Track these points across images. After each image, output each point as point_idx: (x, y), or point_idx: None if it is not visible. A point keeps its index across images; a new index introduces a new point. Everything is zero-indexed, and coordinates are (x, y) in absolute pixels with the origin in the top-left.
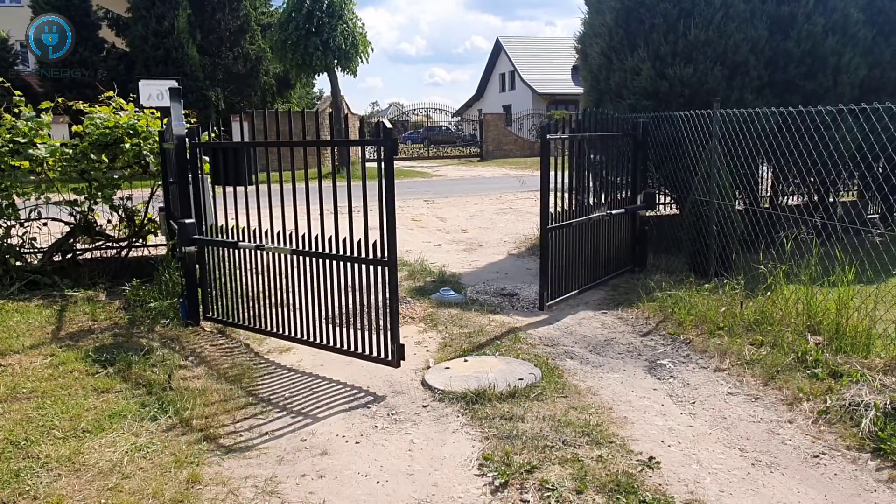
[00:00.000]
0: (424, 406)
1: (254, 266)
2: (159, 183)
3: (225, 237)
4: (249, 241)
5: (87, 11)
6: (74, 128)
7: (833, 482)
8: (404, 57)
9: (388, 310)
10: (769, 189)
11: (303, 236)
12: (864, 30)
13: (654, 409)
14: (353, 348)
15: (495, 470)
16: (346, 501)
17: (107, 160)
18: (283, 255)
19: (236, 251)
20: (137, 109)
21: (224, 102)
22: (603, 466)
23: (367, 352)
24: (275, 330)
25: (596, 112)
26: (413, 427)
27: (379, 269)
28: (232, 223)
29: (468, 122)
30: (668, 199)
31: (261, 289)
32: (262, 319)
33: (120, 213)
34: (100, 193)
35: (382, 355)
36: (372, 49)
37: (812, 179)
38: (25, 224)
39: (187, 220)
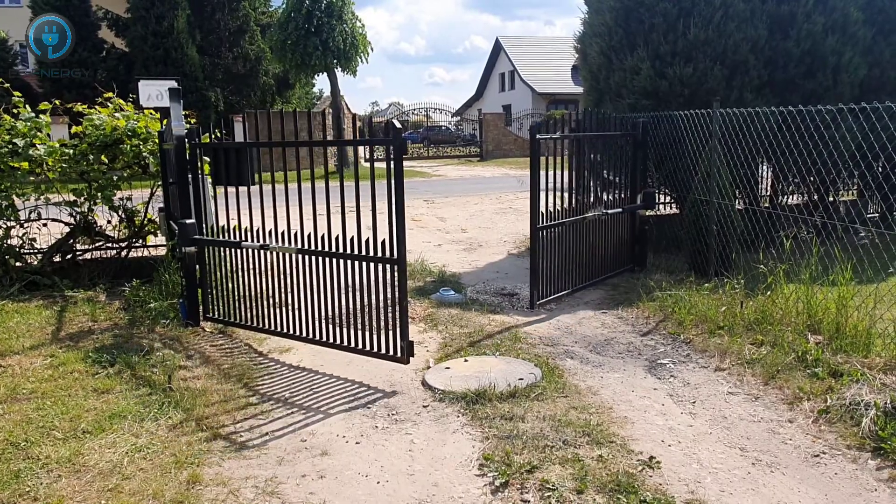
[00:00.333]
0: (425, 406)
1: (256, 266)
2: (159, 183)
3: (226, 237)
4: (252, 240)
5: (86, 12)
6: (74, 128)
7: (833, 481)
8: (404, 57)
9: (398, 307)
10: (769, 188)
11: (308, 235)
12: (863, 29)
13: (655, 409)
14: (360, 346)
15: (496, 470)
16: (347, 502)
17: (106, 161)
18: (288, 255)
19: (238, 251)
20: (137, 111)
21: (224, 103)
22: (603, 466)
23: (376, 349)
24: (277, 329)
25: (595, 111)
26: (413, 427)
27: (388, 267)
28: (233, 223)
29: (468, 121)
30: (667, 198)
31: (263, 288)
32: (264, 319)
33: (120, 213)
34: (99, 194)
35: (392, 352)
36: (371, 49)
37: (812, 179)
38: (25, 225)
39: (187, 221)
